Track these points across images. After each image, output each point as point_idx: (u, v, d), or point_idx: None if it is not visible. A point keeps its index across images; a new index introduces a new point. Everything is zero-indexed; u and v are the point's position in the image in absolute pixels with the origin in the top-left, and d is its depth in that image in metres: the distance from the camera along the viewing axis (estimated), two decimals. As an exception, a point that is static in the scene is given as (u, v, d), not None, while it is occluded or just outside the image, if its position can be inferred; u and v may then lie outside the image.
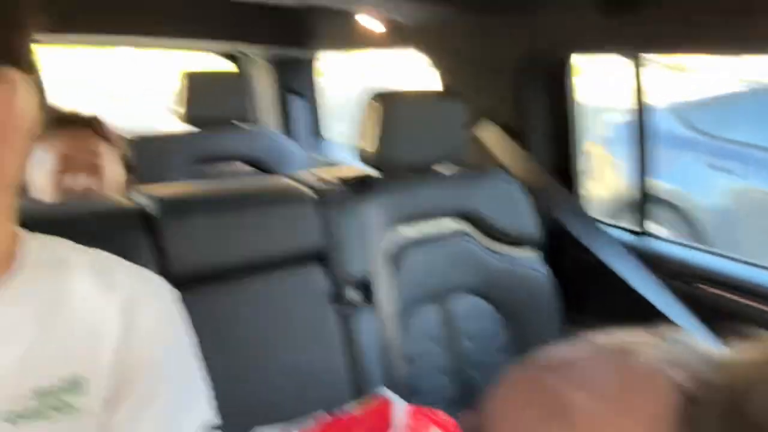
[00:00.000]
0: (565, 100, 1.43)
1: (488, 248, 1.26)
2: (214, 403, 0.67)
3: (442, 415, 0.81)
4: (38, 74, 1.53)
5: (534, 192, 1.33)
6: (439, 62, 1.57)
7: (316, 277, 1.03)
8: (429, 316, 1.16)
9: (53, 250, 0.61)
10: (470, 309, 1.20)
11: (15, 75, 0.50)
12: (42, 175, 1.13)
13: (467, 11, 1.36)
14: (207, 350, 0.69)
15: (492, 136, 1.44)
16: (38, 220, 0.71)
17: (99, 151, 1.17)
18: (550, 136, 1.46)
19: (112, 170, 1.19)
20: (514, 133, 1.43)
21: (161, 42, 2.28)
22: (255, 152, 1.94)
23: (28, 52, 0.52)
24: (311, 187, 1.08)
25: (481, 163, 1.43)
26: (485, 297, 1.22)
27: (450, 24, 1.45)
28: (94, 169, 1.16)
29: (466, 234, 1.25)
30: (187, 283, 0.86)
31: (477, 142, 1.45)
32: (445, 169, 1.28)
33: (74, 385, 0.57)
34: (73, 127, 1.17)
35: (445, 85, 1.55)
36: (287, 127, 2.29)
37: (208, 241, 0.93)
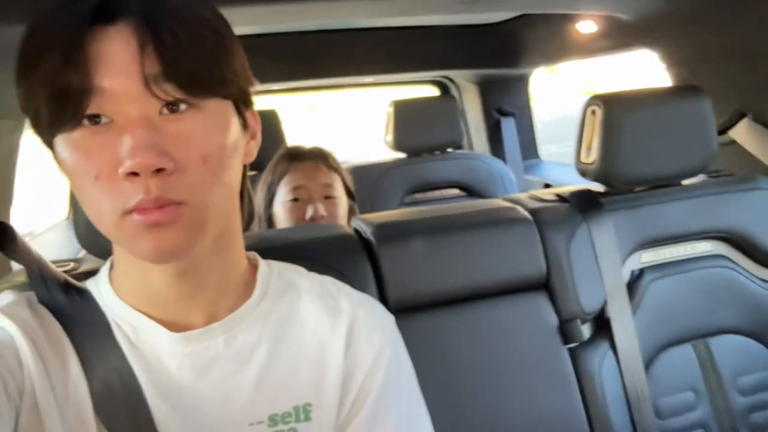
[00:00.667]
0: None
1: (760, 277, 1.01)
2: None
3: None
4: (275, 118, 1.68)
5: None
6: (673, 58, 1.35)
7: (542, 307, 0.92)
8: (681, 360, 0.95)
9: (283, 275, 0.62)
10: (740, 354, 0.96)
11: (226, 109, 0.51)
12: (280, 206, 1.24)
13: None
14: (422, 380, 0.64)
15: (755, 138, 1.17)
16: (267, 245, 0.75)
17: (331, 183, 1.25)
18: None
19: (342, 200, 1.26)
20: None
21: (374, 79, 2.41)
22: (467, 178, 1.90)
23: (247, 90, 0.54)
24: (528, 209, 0.98)
25: (741, 172, 1.17)
26: (760, 339, 0.97)
27: (687, 12, 1.23)
28: (329, 200, 1.23)
29: (726, 258, 1.01)
30: (404, 309, 0.83)
31: (733, 146, 1.19)
32: (693, 179, 1.07)
33: (304, 412, 0.56)
34: (306, 161, 1.26)
35: (682, 83, 1.32)
36: (499, 148, 2.22)
37: (424, 267, 0.89)
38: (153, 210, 0.46)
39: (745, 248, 1.02)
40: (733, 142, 1.21)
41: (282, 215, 1.24)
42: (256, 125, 0.57)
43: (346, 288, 0.64)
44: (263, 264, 0.62)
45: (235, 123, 0.52)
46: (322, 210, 1.21)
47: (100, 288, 0.58)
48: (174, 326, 0.55)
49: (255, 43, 0.47)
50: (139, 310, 0.55)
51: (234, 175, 0.52)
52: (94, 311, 0.56)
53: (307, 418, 0.56)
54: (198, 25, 0.48)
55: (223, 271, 0.56)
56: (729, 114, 1.23)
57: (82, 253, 0.91)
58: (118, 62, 0.46)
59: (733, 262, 1.01)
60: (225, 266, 0.57)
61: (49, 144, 0.50)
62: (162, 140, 0.46)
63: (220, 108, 0.50)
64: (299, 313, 0.60)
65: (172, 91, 0.47)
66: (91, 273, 0.62)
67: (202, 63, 0.48)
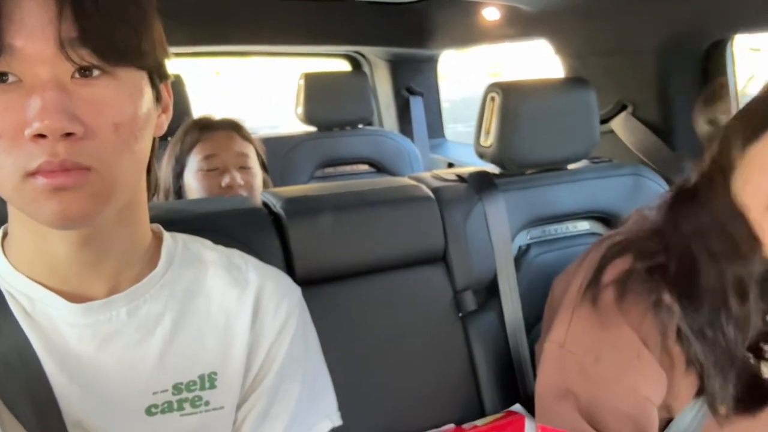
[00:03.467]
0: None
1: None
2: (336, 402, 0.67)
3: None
4: (179, 83, 1.61)
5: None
6: (565, 49, 1.46)
7: (439, 279, 0.98)
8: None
9: (188, 247, 0.63)
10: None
11: (140, 80, 0.51)
12: (192, 176, 1.20)
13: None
14: (326, 350, 0.68)
15: (630, 130, 1.30)
16: (173, 217, 0.74)
17: (246, 153, 1.22)
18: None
19: (257, 171, 1.24)
20: (657, 127, 1.28)
21: (285, 49, 2.37)
22: (376, 154, 1.95)
23: (162, 63, 0.54)
24: (431, 187, 1.04)
25: (618, 159, 1.30)
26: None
27: (580, 7, 1.33)
28: (245, 170, 1.21)
29: (601, 236, 1.13)
30: (310, 281, 0.86)
31: (612, 135, 1.32)
32: (577, 164, 1.18)
33: (209, 380, 0.58)
34: (219, 130, 1.23)
35: (572, 75, 1.44)
36: (407, 127, 2.28)
37: (332, 241, 0.92)
38: (58, 173, 0.45)
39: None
40: (612, 131, 1.33)
41: (194, 186, 1.19)
42: (168, 99, 0.57)
43: (253, 260, 0.66)
44: (168, 236, 0.62)
45: (148, 94, 0.52)
46: (239, 179, 1.17)
47: None
48: (74, 297, 0.54)
49: (159, 3, 0.46)
50: (35, 281, 0.54)
51: (144, 147, 0.52)
52: None
53: (212, 386, 0.58)
54: None
55: (127, 243, 0.56)
56: (611, 105, 1.36)
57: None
58: (33, 22, 0.45)
59: (607, 240, 1.13)
60: (129, 237, 0.56)
61: None
62: (72, 104, 0.45)
63: (135, 78, 0.50)
64: (205, 285, 0.61)
65: (87, 57, 0.46)
66: None
67: (119, 31, 0.47)
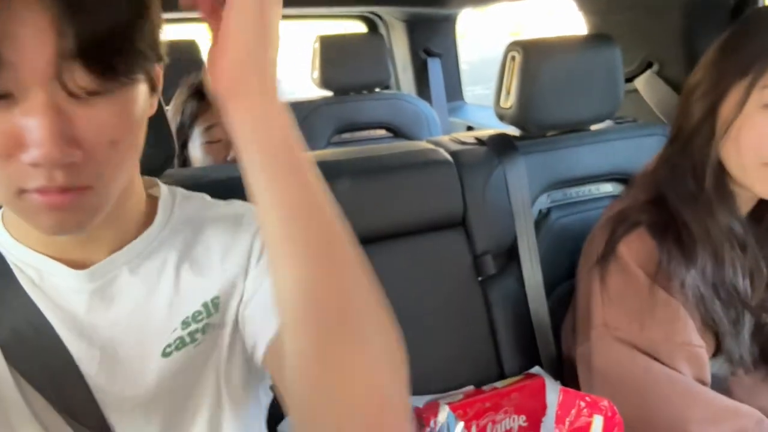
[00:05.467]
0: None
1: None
2: None
3: (597, 399, 0.73)
4: (194, 48, 1.53)
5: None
6: (588, 6, 1.41)
7: (458, 244, 0.98)
8: (580, 289, 1.06)
9: (188, 201, 0.62)
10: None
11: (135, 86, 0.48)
12: (197, 149, 1.20)
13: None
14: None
15: (654, 89, 1.26)
16: (190, 183, 0.74)
17: None
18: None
19: None
20: (682, 86, 1.24)
21: (299, 11, 2.32)
22: (393, 119, 1.92)
23: (158, 48, 0.50)
24: (449, 151, 1.02)
25: (642, 120, 1.26)
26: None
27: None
28: None
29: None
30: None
31: (636, 94, 1.28)
32: (600, 125, 1.15)
33: (213, 305, 0.58)
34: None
35: (595, 32, 1.39)
36: (425, 89, 2.23)
37: (350, 206, 0.91)
38: (55, 194, 0.44)
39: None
40: (637, 90, 1.29)
41: (200, 158, 1.19)
42: (160, 73, 0.52)
43: (251, 206, 0.64)
44: (166, 192, 0.61)
45: (142, 92, 0.48)
46: None
47: None
48: (77, 264, 0.54)
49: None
50: (39, 252, 0.54)
51: (140, 142, 0.50)
52: None
53: (216, 310, 0.58)
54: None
55: (121, 217, 0.56)
56: (636, 63, 1.32)
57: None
58: (29, 40, 0.41)
59: (630, 202, 1.11)
60: (122, 212, 0.55)
61: None
62: (70, 127, 0.43)
63: (130, 88, 0.47)
64: (204, 236, 0.60)
65: (83, 81, 0.42)
66: None
67: (119, 52, 0.44)
